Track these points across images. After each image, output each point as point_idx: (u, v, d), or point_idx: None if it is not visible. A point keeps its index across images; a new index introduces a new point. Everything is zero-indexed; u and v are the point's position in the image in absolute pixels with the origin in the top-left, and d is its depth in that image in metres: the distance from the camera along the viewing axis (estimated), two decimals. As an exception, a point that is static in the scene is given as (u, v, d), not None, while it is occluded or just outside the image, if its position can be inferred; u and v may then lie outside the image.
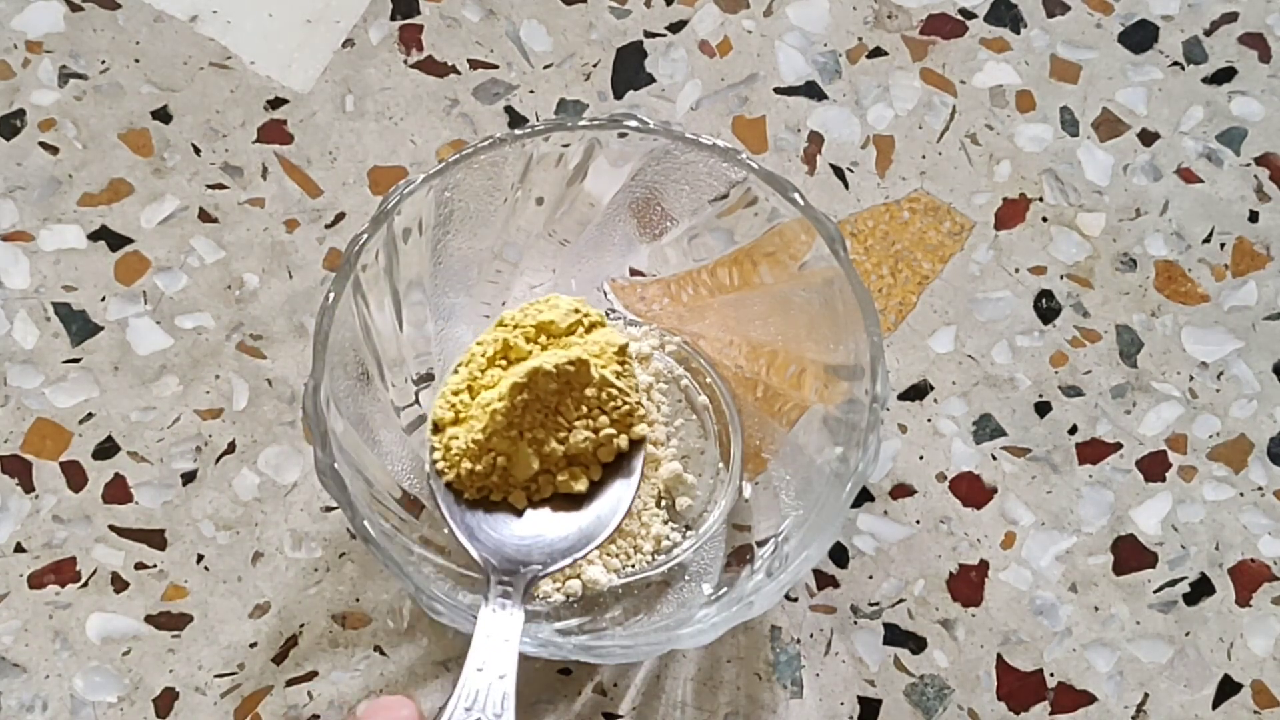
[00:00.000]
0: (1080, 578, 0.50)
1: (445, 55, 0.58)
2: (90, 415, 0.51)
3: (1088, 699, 0.49)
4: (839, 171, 0.56)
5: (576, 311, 0.47)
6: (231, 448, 0.51)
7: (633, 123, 0.46)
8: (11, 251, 0.53)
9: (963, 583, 0.50)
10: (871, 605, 0.50)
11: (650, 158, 0.48)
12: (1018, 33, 0.59)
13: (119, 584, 0.49)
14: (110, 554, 0.49)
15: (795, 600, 0.50)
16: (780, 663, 0.49)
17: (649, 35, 0.58)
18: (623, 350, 0.47)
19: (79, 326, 0.52)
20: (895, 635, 0.49)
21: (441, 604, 0.42)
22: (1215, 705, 0.49)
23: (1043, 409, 0.53)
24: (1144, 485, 0.52)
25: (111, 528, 0.50)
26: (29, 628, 0.48)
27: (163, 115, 0.56)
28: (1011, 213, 0.56)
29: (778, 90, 0.58)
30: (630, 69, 0.58)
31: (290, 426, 0.51)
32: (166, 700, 0.48)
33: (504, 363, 0.47)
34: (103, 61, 0.57)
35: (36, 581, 0.49)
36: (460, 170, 0.46)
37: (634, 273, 0.51)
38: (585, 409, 0.46)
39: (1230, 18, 0.60)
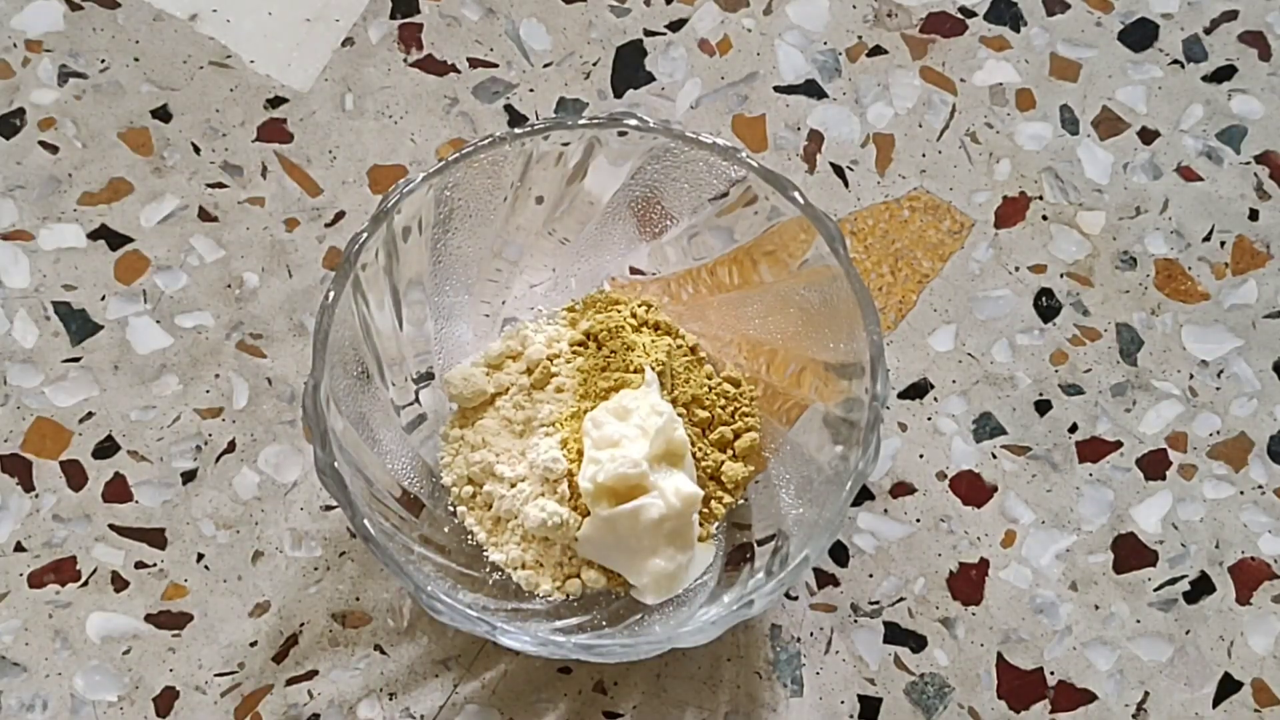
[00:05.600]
0: (1080, 576, 0.50)
1: (445, 54, 0.58)
2: (90, 414, 0.51)
3: (1088, 697, 0.49)
4: (839, 170, 0.56)
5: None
6: (231, 447, 0.51)
7: (632, 121, 0.46)
8: (11, 251, 0.53)
9: (963, 581, 0.50)
10: (872, 604, 0.50)
11: (650, 156, 0.47)
12: (1018, 31, 0.59)
13: (119, 583, 0.49)
14: (110, 553, 0.49)
15: (795, 599, 0.49)
16: (780, 661, 0.49)
17: (649, 34, 0.58)
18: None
19: (79, 325, 0.52)
20: (895, 634, 0.49)
21: (441, 603, 0.42)
22: (1215, 703, 0.49)
23: (1043, 407, 0.53)
24: (1144, 484, 0.52)
25: (111, 527, 0.50)
26: (29, 627, 0.48)
27: (162, 114, 0.56)
28: (1011, 211, 0.56)
29: (777, 89, 0.58)
30: (630, 67, 0.58)
31: (290, 425, 0.51)
32: (167, 699, 0.48)
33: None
34: (102, 60, 0.57)
35: (36, 581, 0.49)
36: (460, 169, 0.46)
37: (634, 271, 0.51)
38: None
39: (1230, 16, 0.60)
